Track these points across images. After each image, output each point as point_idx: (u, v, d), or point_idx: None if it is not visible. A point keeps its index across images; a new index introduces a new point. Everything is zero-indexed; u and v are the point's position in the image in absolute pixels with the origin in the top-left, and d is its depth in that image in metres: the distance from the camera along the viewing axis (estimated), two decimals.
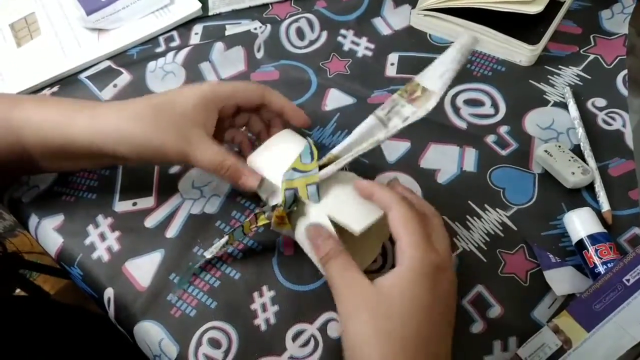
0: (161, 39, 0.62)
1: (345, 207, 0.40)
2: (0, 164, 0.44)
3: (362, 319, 0.35)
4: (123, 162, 0.47)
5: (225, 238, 0.43)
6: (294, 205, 0.41)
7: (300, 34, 0.61)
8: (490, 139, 0.53)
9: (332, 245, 0.38)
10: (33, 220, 0.50)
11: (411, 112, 0.38)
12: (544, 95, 0.55)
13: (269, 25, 0.61)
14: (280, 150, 0.44)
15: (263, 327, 0.44)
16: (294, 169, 0.41)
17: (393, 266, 0.36)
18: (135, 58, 0.61)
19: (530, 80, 0.56)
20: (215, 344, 0.43)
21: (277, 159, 0.43)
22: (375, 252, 0.45)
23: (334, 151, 0.41)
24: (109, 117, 0.42)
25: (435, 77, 0.37)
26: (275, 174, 0.42)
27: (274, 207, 0.41)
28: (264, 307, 0.45)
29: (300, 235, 0.42)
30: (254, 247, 0.47)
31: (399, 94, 0.39)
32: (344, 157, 0.40)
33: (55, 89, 0.58)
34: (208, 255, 0.44)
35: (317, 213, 0.40)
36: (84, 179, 0.52)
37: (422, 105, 0.37)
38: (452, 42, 0.59)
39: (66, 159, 0.45)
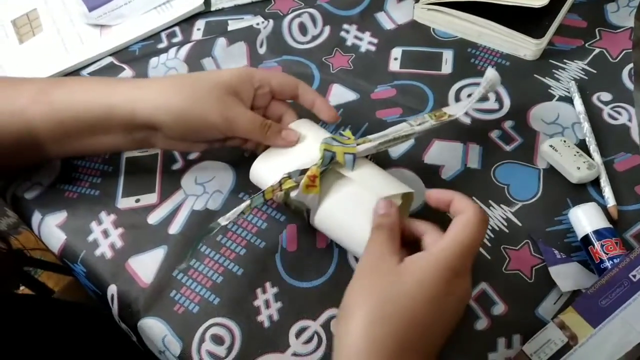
0: (163, 35, 0.62)
1: (377, 181, 0.42)
2: (23, 147, 0.46)
3: (364, 281, 0.36)
4: (156, 141, 0.46)
5: (246, 203, 0.42)
6: (329, 166, 0.42)
7: (303, 29, 0.61)
8: (494, 134, 0.52)
9: (394, 219, 0.39)
10: (36, 217, 0.50)
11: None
12: (549, 90, 0.55)
13: (271, 21, 0.61)
14: (313, 129, 0.46)
15: (266, 324, 0.44)
16: (333, 139, 0.43)
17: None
18: (137, 54, 0.60)
19: (535, 75, 0.56)
20: (218, 340, 0.43)
21: (313, 134, 0.45)
22: None
23: (370, 137, 0.44)
24: (150, 85, 0.45)
25: (460, 107, 0.48)
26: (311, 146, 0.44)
27: (303, 172, 0.42)
28: (267, 304, 0.44)
29: (320, 217, 0.42)
30: (257, 243, 0.47)
31: (429, 115, 0.47)
32: (381, 135, 0.43)
33: None
34: (224, 222, 0.42)
35: (350, 189, 0.42)
36: (86, 175, 0.52)
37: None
38: (455, 37, 0.59)
39: (102, 133, 0.45)
